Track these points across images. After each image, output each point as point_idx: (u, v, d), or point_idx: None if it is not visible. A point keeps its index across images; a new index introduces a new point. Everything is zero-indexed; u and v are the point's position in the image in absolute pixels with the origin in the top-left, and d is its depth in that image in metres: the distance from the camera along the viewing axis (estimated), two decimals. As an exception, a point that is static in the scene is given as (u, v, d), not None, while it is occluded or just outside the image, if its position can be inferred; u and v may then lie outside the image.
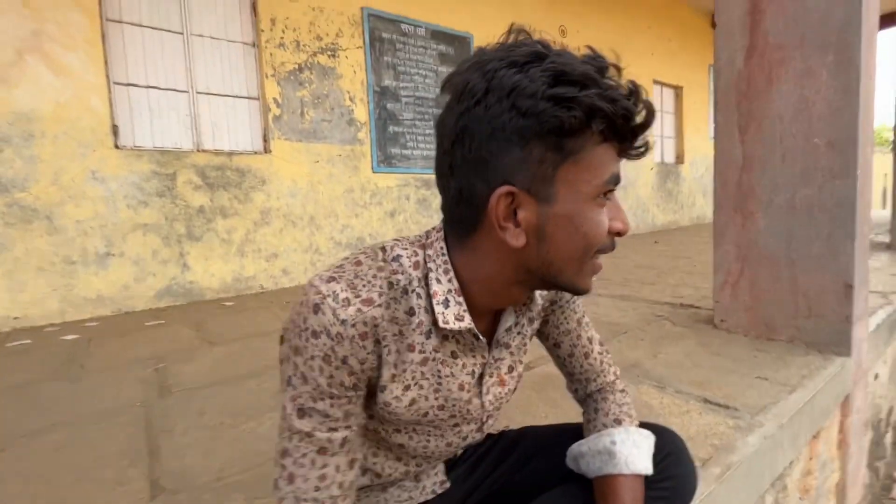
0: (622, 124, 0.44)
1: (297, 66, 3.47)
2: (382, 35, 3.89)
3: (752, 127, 1.70)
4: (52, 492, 1.02)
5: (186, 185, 3.05)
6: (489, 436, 0.77)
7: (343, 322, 0.46)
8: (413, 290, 0.50)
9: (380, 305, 0.48)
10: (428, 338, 0.52)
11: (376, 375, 0.52)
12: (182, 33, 3.09)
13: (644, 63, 6.56)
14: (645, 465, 0.60)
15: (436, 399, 0.56)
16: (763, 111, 1.66)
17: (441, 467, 0.69)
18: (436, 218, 4.34)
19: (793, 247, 1.64)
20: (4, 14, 2.46)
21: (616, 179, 0.47)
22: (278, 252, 3.44)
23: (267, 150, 3.39)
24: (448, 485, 0.69)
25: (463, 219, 0.49)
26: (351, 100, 3.76)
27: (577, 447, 0.65)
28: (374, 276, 0.49)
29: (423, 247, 0.53)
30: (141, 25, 2.94)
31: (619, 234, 0.49)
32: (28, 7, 2.52)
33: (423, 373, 0.53)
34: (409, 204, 4.16)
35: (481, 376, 0.59)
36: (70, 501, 0.98)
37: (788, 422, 1.18)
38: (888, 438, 2.22)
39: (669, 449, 0.65)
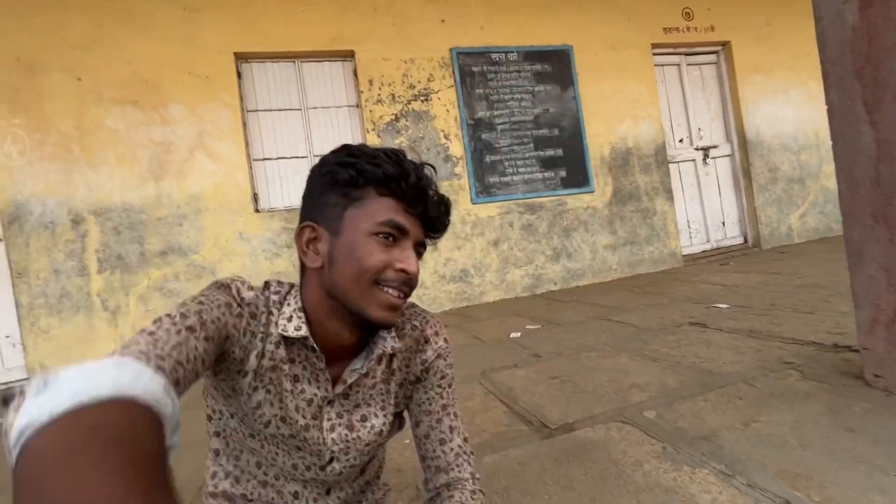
0: (394, 185, 0.58)
1: (393, 117, 3.78)
2: (472, 69, 3.97)
3: (885, 100, 1.20)
4: None
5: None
6: None
7: (239, 289, 0.59)
8: (269, 310, 0.61)
9: (265, 308, 0.61)
10: (277, 348, 0.60)
11: (239, 358, 0.58)
12: (300, 109, 3.68)
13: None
14: None
15: (279, 408, 0.61)
16: (898, 77, 1.16)
17: None
18: (543, 243, 4.13)
19: (978, 270, 1.07)
20: (180, 123, 3.31)
21: (394, 225, 0.58)
22: (386, 288, 3.72)
23: (372, 197, 3.74)
24: None
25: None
26: (445, 137, 3.91)
27: None
28: (256, 295, 0.61)
29: (291, 285, 0.65)
30: (269, 110, 3.61)
31: (403, 271, 0.59)
32: (194, 114, 3.34)
33: (271, 378, 0.60)
34: (513, 231, 4.06)
35: (321, 408, 0.63)
36: None
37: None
38: None
39: None
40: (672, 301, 2.97)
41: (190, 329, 0.48)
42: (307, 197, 0.64)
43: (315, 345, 0.61)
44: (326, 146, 3.66)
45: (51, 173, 3.07)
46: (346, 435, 0.64)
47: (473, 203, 3.95)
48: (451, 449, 0.67)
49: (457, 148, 3.94)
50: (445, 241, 3.86)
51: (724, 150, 4.89)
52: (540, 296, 3.97)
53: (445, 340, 0.73)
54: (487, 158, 4.00)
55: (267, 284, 0.65)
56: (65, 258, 3.07)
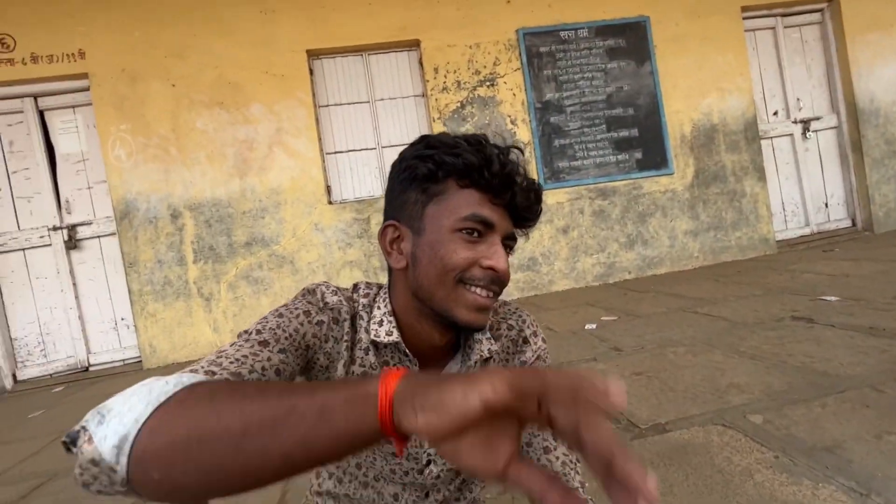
0: (476, 175, 0.54)
1: (459, 104, 3.74)
2: (540, 50, 3.82)
3: None
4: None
5: (377, 226, 3.64)
6: None
7: (324, 294, 0.60)
8: (359, 314, 0.61)
9: (348, 314, 0.60)
10: (367, 354, 0.59)
11: (324, 366, 0.58)
12: (368, 101, 3.75)
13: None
14: None
15: None
16: None
17: None
18: (616, 229, 3.93)
19: None
20: (260, 122, 3.50)
21: (478, 219, 0.54)
22: (454, 277, 3.73)
23: (439, 186, 3.75)
24: None
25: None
26: (512, 122, 3.81)
27: None
28: (340, 300, 0.60)
29: (380, 286, 0.64)
30: (340, 104, 3.72)
31: (492, 269, 0.54)
32: (272, 112, 3.52)
33: None
34: (584, 217, 3.89)
35: None
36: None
37: None
38: None
39: None
40: (767, 292, 2.70)
41: (263, 343, 0.49)
42: (388, 194, 0.61)
43: (407, 349, 0.60)
44: (393, 137, 3.72)
45: (153, 173, 3.40)
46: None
47: (542, 189, 3.82)
48: (557, 458, 0.61)
49: (524, 133, 3.82)
50: (513, 230, 3.79)
51: (829, 122, 4.33)
52: (612, 285, 3.79)
53: (543, 340, 0.70)
54: (556, 142, 3.85)
55: (356, 287, 0.64)
56: (166, 249, 3.40)
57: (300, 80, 3.55)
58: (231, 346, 0.49)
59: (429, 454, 0.63)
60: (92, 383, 3.13)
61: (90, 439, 0.34)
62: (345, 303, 0.60)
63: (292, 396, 0.34)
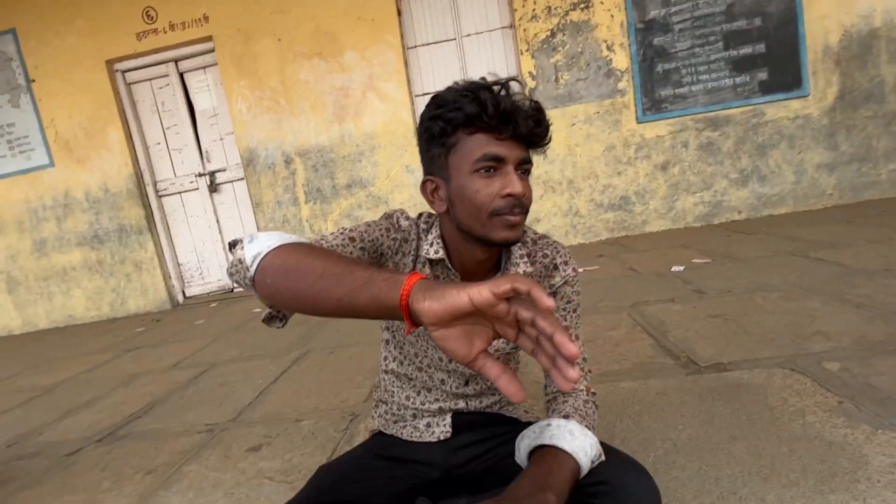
0: (477, 121, 0.61)
1: (549, 33, 3.52)
2: (645, -42, 3.35)
3: None
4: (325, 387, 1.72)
5: (464, 166, 3.73)
6: (512, 421, 0.84)
7: (399, 218, 0.76)
8: (420, 236, 0.75)
9: (414, 237, 0.75)
10: (424, 266, 0.74)
11: (392, 264, 0.75)
12: (455, 39, 3.70)
13: None
14: (572, 448, 0.60)
15: None
16: None
17: (449, 419, 0.83)
18: (727, 164, 3.51)
19: None
20: (354, 69, 3.70)
21: (488, 157, 0.62)
22: (540, 217, 3.73)
23: (526, 123, 3.66)
24: (449, 433, 0.82)
25: None
26: (609, 48, 3.49)
27: (520, 437, 0.67)
28: (410, 225, 0.76)
29: (437, 216, 0.76)
30: (427, 44, 3.73)
31: (511, 195, 0.63)
32: (364, 59, 3.68)
33: None
34: (688, 152, 3.54)
35: None
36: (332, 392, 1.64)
37: None
38: None
39: (621, 463, 0.65)
40: (912, 236, 2.29)
41: (351, 239, 0.68)
42: (421, 153, 0.72)
43: (450, 265, 0.73)
44: (480, 73, 3.66)
45: (268, 123, 3.84)
46: None
47: (639, 122, 3.53)
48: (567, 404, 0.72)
49: (622, 60, 3.49)
50: (604, 167, 3.61)
51: None
52: (717, 226, 3.47)
53: (574, 270, 0.78)
54: (660, 67, 3.46)
55: (420, 216, 0.79)
56: (283, 192, 3.91)
57: (388, 23, 3.62)
58: (331, 234, 0.68)
59: None
60: (236, 301, 3.87)
61: (242, 247, 0.57)
62: (413, 227, 0.75)
63: (357, 267, 0.50)
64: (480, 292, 0.40)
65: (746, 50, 3.36)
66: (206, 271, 4.24)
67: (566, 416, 0.67)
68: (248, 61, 3.76)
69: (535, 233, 0.81)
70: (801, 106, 3.39)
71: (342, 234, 0.68)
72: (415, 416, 0.84)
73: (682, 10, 3.38)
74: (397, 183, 3.80)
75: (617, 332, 1.71)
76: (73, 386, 2.23)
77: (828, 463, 0.86)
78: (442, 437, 0.82)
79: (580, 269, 2.80)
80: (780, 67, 3.35)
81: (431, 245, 0.73)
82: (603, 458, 0.63)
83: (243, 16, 3.70)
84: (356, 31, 3.65)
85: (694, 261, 2.54)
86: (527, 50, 3.55)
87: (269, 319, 0.61)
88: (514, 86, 0.64)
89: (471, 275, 0.75)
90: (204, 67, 3.95)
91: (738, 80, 3.40)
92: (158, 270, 4.08)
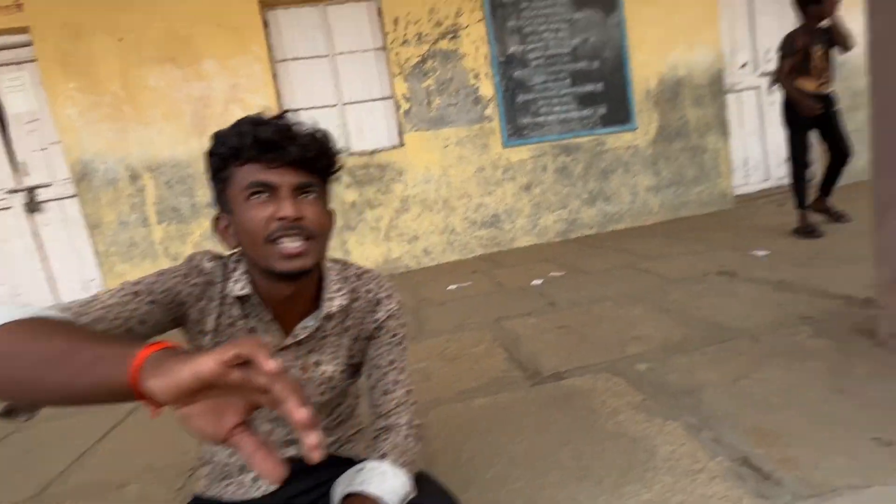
0: (243, 154, 0.62)
1: (420, 59, 3.66)
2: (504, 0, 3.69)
3: (932, 29, 1.03)
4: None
5: (341, 185, 3.67)
6: (350, 462, 0.83)
7: (199, 261, 0.70)
8: (227, 276, 0.71)
9: (220, 278, 0.71)
10: (232, 307, 0.71)
11: (196, 320, 0.70)
12: (328, 55, 3.65)
13: None
14: (381, 491, 0.62)
15: None
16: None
17: None
18: (579, 186, 3.99)
19: None
20: (214, 78, 3.42)
21: (256, 184, 0.62)
22: (418, 235, 3.82)
23: (402, 144, 3.74)
24: (276, 485, 0.77)
25: None
26: (475, 77, 3.75)
27: (336, 483, 0.67)
28: (215, 266, 0.71)
29: (243, 252, 0.72)
30: (298, 59, 3.62)
31: (282, 218, 0.61)
32: (226, 68, 3.42)
33: (230, 333, 0.71)
34: (547, 174, 3.94)
35: (276, 353, 0.72)
36: (178, 442, 1.46)
37: (868, 521, 0.77)
38: None
39: (428, 498, 0.67)
40: (709, 248, 2.83)
41: (135, 294, 0.62)
42: (211, 190, 0.71)
43: (260, 300, 0.70)
44: (356, 93, 3.66)
45: (108, 132, 3.34)
46: (299, 375, 0.74)
47: (505, 147, 3.84)
48: (393, 399, 0.76)
49: (487, 88, 3.78)
50: (475, 187, 3.84)
51: (797, 75, 4.30)
52: (574, 241, 3.91)
53: (398, 303, 0.79)
54: (520, 98, 3.82)
55: (232, 254, 0.75)
56: (129, 211, 3.42)
57: (254, 33, 3.43)
58: (108, 292, 0.61)
59: None
60: (66, 341, 3.24)
61: None
62: (219, 268, 0.71)
63: (87, 343, 0.42)
64: (205, 363, 0.36)
65: (589, 87, 3.88)
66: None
67: (383, 456, 0.69)
68: (78, 60, 3.24)
69: (360, 268, 0.81)
70: (631, 138, 4.01)
71: (122, 289, 0.62)
72: (241, 470, 0.78)
73: (537, 49, 3.79)
74: (268, 201, 3.58)
75: (478, 348, 1.81)
76: None
77: (628, 457, 1.00)
78: (268, 491, 0.78)
79: (453, 286, 2.92)
80: (615, 104, 3.93)
81: (237, 282, 0.70)
82: (414, 493, 0.66)
83: (71, 9, 3.20)
84: (216, 39, 3.39)
85: (551, 274, 2.82)
86: (399, 73, 3.64)
87: (6, 413, 0.48)
88: (294, 116, 0.65)
89: (285, 312, 0.72)
90: (18, 63, 3.31)
91: (584, 112, 3.90)
92: (-49, 309, 3.25)
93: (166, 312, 0.65)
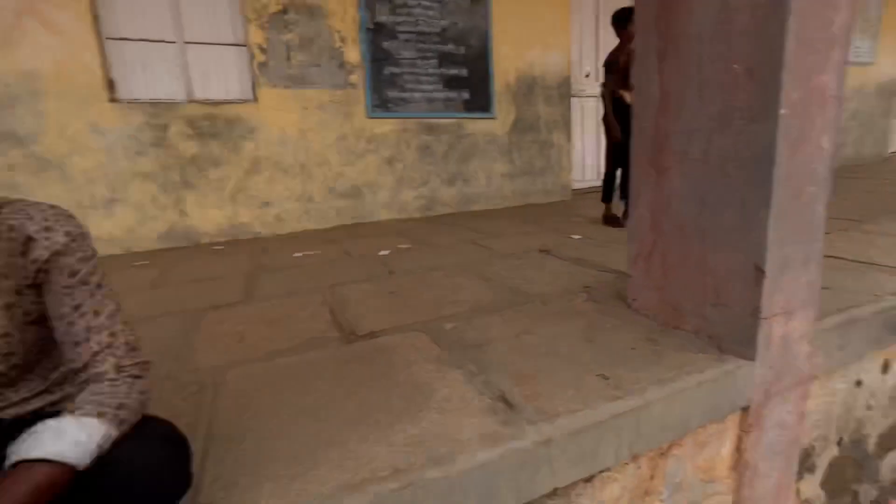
0: None
1: (281, 8, 3.38)
2: (375, -37, 3.58)
3: (669, 51, 1.27)
4: None
5: (178, 135, 3.24)
6: None
7: None
8: None
9: None
10: None
11: None
12: (166, -18, 3.14)
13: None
14: (57, 451, 0.54)
15: None
16: (682, 28, 1.23)
17: None
18: (440, 165, 4.13)
19: (705, 215, 1.26)
20: (-1, -21, 2.70)
21: None
22: (270, 200, 3.58)
23: (255, 99, 3.43)
24: None
25: None
26: (342, 40, 3.60)
27: (8, 451, 0.59)
28: None
29: None
30: (124, -22, 3.05)
31: None
32: (18, -30, 2.73)
33: None
34: (410, 151, 4.00)
35: None
36: None
37: (575, 434, 0.96)
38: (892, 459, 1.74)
39: (137, 436, 0.63)
40: (541, 230, 3.19)
41: None
42: None
43: None
44: (200, 33, 3.24)
45: None
46: None
47: (368, 117, 3.78)
48: (89, 348, 0.66)
49: (353, 54, 3.66)
50: (336, 155, 3.73)
51: (627, 90, 5.03)
52: (432, 218, 4.05)
53: (67, 235, 0.65)
54: (387, 70, 3.78)
55: None
56: None
57: (61, -67, 2.79)
58: None
59: None
60: None
61: None
62: None
63: None
64: None
65: (454, 71, 4.01)
66: None
67: (72, 411, 0.61)
68: None
69: (2, 199, 0.65)
70: (490, 126, 4.28)
71: None
72: None
73: (407, 23, 3.78)
74: (78, 145, 3.00)
75: (304, 312, 1.78)
76: None
77: (407, 401, 1.09)
78: None
79: (299, 254, 2.81)
80: (477, 91, 4.14)
81: None
82: (114, 436, 0.62)
83: None
84: (2, -72, 2.67)
85: (399, 246, 2.89)
86: (256, 19, 3.32)
87: None
88: None
89: None
90: None
91: (448, 94, 4.03)
92: None
93: None
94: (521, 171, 4.50)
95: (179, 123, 3.22)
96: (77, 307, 0.65)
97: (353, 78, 3.68)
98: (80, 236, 0.66)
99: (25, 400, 0.70)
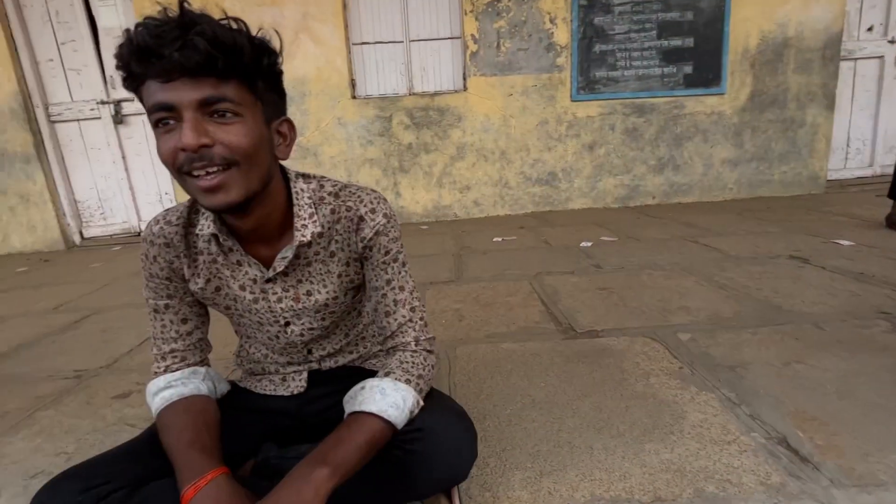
0: (137, 68, 0.52)
1: (495, -4, 3.44)
2: (595, -67, 3.33)
3: None
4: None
5: (399, 125, 3.64)
6: (373, 374, 0.85)
7: (147, 235, 0.71)
8: (201, 212, 0.69)
9: (176, 225, 0.70)
10: (209, 244, 0.70)
11: (181, 276, 0.73)
12: (399, -12, 3.51)
13: None
14: (379, 408, 0.62)
15: (227, 290, 0.73)
16: None
17: (304, 375, 0.83)
18: (647, 150, 3.72)
19: None
20: (286, 5, 3.41)
21: (156, 107, 0.53)
22: (470, 185, 3.76)
23: (465, 88, 3.62)
24: (303, 388, 0.82)
25: None
26: (551, 21, 3.49)
27: (344, 400, 0.68)
28: (182, 206, 0.72)
29: None
30: (369, -11, 3.51)
31: (183, 149, 0.53)
32: (299, -5, 3.40)
33: (216, 269, 0.72)
34: (614, 135, 3.69)
35: (265, 285, 0.72)
36: (226, 341, 1.59)
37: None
38: None
39: (439, 410, 0.68)
40: (784, 231, 2.58)
41: (154, 311, 0.73)
42: None
43: (226, 237, 0.67)
44: (422, 30, 3.54)
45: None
46: (293, 305, 0.73)
47: (573, 101, 3.61)
48: (395, 319, 0.72)
49: (563, 35, 3.51)
50: (536, 141, 3.68)
51: (936, 44, 3.65)
52: (632, 208, 3.70)
53: (385, 216, 0.71)
54: (597, 48, 3.53)
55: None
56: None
57: (328, -41, 3.35)
58: (151, 322, 0.75)
59: (285, 317, 0.74)
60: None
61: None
62: (172, 222, 0.70)
63: (173, 449, 0.63)
64: None
65: (676, 42, 3.51)
66: (109, 211, 3.87)
67: (387, 373, 0.68)
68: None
69: (337, 183, 0.73)
70: (716, 102, 3.63)
71: (149, 316, 0.74)
72: (272, 370, 0.83)
73: (624, -7, 3.44)
74: (328, 136, 3.64)
75: (514, 298, 1.79)
76: (-74, 325, 1.98)
77: (654, 418, 0.97)
78: (296, 392, 0.82)
79: (498, 239, 2.88)
80: (704, 63, 3.54)
81: (207, 219, 0.66)
82: (422, 404, 0.67)
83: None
84: (291, -37, 3.35)
85: (602, 238, 2.70)
86: (471, 11, 3.46)
87: None
88: (192, 10, 0.52)
89: (259, 243, 0.69)
90: (109, -23, 3.45)
91: (665, 70, 3.56)
92: (50, 206, 3.65)
93: (180, 289, 0.72)
94: (751, 156, 3.73)
95: (401, 114, 3.62)
96: (389, 281, 0.73)
97: (560, 60, 3.54)
98: (393, 218, 0.74)
99: (332, 355, 0.84)
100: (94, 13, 3.51)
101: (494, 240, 2.87)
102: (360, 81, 3.66)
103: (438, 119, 3.64)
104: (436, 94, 3.62)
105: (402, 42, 3.61)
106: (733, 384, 1.08)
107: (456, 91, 3.64)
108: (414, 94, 3.64)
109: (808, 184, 3.76)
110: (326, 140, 3.65)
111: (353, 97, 3.61)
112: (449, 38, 3.61)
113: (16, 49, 3.45)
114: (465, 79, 3.61)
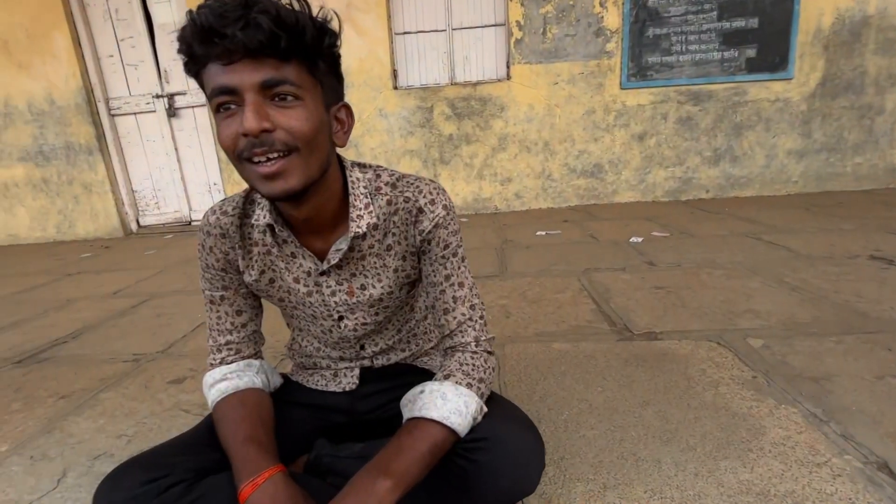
0: (200, 51, 0.50)
1: (542, -20, 3.31)
2: None
3: None
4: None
5: (440, 116, 3.59)
6: (425, 372, 0.82)
7: (204, 226, 0.70)
8: (257, 202, 0.68)
9: (232, 216, 0.69)
10: (264, 235, 0.69)
11: (236, 268, 0.72)
12: (443, -26, 3.44)
13: None
14: (441, 415, 0.58)
15: (281, 283, 0.72)
16: None
17: (356, 371, 0.81)
18: (702, 141, 3.50)
19: None
20: (331, -5, 3.41)
21: (218, 91, 0.51)
22: (512, 177, 3.67)
23: (508, 77, 3.52)
24: (355, 385, 0.80)
25: None
26: (602, 4, 3.32)
27: (402, 403, 0.65)
28: (237, 196, 0.70)
29: None
30: (412, -23, 3.46)
31: (245, 134, 0.51)
32: (343, -15, 3.39)
33: (271, 261, 0.70)
34: (666, 124, 3.49)
35: (319, 277, 0.70)
36: (273, 331, 1.61)
37: None
38: None
39: (504, 418, 0.64)
40: (861, 227, 2.36)
41: (211, 302, 0.73)
42: None
43: (281, 227, 0.65)
44: (465, 18, 3.46)
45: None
46: (347, 299, 0.71)
47: (622, 88, 3.44)
48: (455, 318, 0.68)
49: (613, 18, 3.34)
50: (581, 131, 3.54)
51: None
52: (684, 202, 3.50)
53: (445, 208, 0.67)
54: (650, 32, 3.33)
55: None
56: (247, 124, 3.68)
57: (372, -52, 3.32)
58: (207, 314, 0.75)
59: (339, 311, 0.72)
60: (193, 233, 3.73)
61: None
62: (229, 212, 0.68)
63: (230, 442, 0.63)
64: None
65: (739, 23, 3.26)
66: (163, 201, 4.05)
67: (447, 376, 0.64)
68: None
69: (394, 173, 0.69)
70: (783, 89, 3.36)
71: (205, 307, 0.75)
72: (324, 365, 0.81)
73: (682, -28, 3.23)
74: (369, 127, 3.64)
75: (563, 295, 1.72)
76: (2, 306, 2.13)
77: (727, 432, 0.89)
78: (348, 388, 0.80)
79: (542, 232, 2.79)
80: (770, 46, 3.28)
81: (263, 209, 0.65)
82: (485, 410, 0.62)
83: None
84: (335, -47, 3.34)
85: (653, 234, 2.56)
86: (517, -4, 3.35)
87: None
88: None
89: (314, 233, 0.67)
90: (164, -26, 3.57)
91: (726, 54, 3.32)
92: (110, 195, 3.86)
93: (235, 280, 0.72)
94: (820, 146, 3.43)
95: (442, 105, 3.56)
96: (448, 277, 0.69)
97: (610, 46, 3.38)
98: (452, 210, 0.69)
99: (385, 351, 0.81)
100: (149, 10, 3.64)
101: (537, 233, 2.79)
102: (402, 72, 3.63)
103: (480, 109, 3.56)
104: (478, 83, 3.54)
105: (445, 31, 3.54)
106: (818, 398, 0.97)
107: (499, 80, 3.54)
108: (456, 83, 3.57)
109: (886, 177, 3.43)
110: (367, 131, 3.65)
111: (395, 88, 3.59)
112: (493, 26, 3.51)
113: (80, 45, 3.64)
114: (508, 67, 3.51)
